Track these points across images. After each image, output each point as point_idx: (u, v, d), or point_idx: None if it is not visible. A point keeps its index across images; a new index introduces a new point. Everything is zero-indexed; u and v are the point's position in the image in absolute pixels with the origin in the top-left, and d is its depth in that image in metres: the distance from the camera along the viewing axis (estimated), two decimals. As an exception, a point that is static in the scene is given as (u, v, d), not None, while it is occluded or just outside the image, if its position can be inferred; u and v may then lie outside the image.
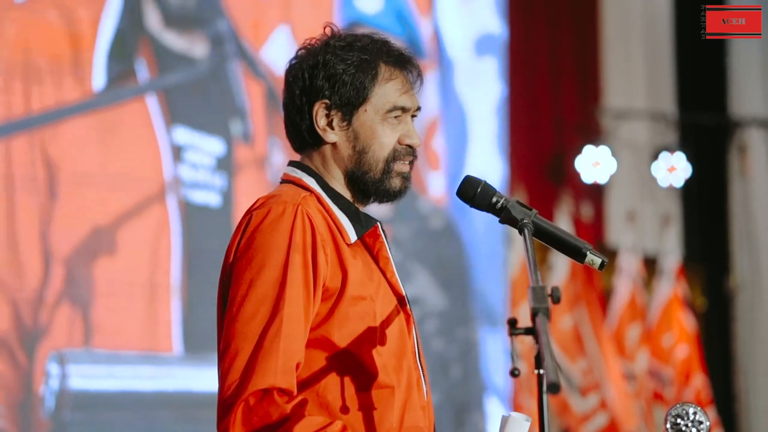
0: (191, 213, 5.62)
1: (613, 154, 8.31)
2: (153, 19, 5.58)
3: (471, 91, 7.33)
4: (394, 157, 2.45)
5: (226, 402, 2.25)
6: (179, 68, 5.72)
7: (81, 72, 5.26)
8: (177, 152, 5.60)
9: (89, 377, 5.28)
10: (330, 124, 2.44)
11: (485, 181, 2.43)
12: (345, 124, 2.44)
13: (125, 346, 5.38)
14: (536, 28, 8.48)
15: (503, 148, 7.53)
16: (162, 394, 5.52)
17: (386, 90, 2.45)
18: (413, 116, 2.50)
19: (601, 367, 7.94)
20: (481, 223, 7.16)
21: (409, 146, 2.46)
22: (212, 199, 5.73)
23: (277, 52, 6.13)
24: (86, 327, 5.21)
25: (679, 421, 2.27)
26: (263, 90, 6.03)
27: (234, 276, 2.33)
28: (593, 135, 8.50)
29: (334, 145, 2.45)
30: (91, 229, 5.28)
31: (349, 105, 2.43)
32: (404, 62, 2.48)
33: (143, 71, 5.52)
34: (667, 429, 2.28)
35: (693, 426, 2.27)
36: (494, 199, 2.40)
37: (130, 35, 5.47)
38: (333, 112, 2.44)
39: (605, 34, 8.98)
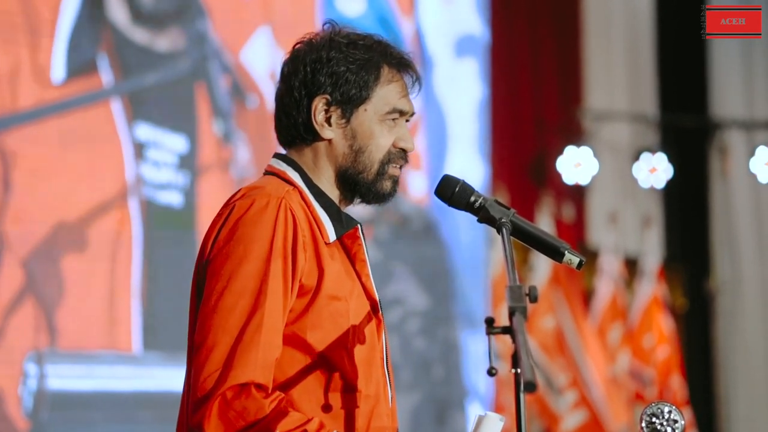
0: (153, 212, 5.58)
1: (595, 155, 8.33)
2: (119, 13, 5.54)
3: (452, 91, 7.34)
4: (388, 159, 2.44)
5: (202, 395, 2.22)
6: (158, 66, 5.69)
7: (40, 65, 5.21)
8: (139, 150, 5.55)
9: (65, 377, 5.25)
10: (328, 120, 2.43)
11: (463, 181, 2.43)
12: (343, 121, 2.43)
13: (84, 344, 5.34)
14: (518, 29, 8.49)
15: (485, 148, 7.54)
16: (139, 394, 5.50)
17: (387, 92, 2.45)
18: (406, 121, 2.49)
19: (585, 366, 7.95)
20: (462, 223, 7.16)
21: (403, 150, 2.46)
22: (174, 198, 5.68)
23: (258, 53, 6.12)
24: (49, 326, 5.17)
25: (654, 420, 2.28)
26: (229, 85, 6.01)
27: (213, 267, 2.30)
28: (575, 136, 8.51)
29: (329, 141, 2.44)
30: (51, 225, 5.23)
31: (349, 103, 2.42)
32: (405, 66, 2.48)
33: (105, 65, 5.47)
34: (642, 428, 2.28)
35: (668, 425, 2.28)
36: (472, 199, 2.41)
37: (91, 28, 5.42)
38: (332, 109, 2.43)
39: (587, 36, 8.99)
